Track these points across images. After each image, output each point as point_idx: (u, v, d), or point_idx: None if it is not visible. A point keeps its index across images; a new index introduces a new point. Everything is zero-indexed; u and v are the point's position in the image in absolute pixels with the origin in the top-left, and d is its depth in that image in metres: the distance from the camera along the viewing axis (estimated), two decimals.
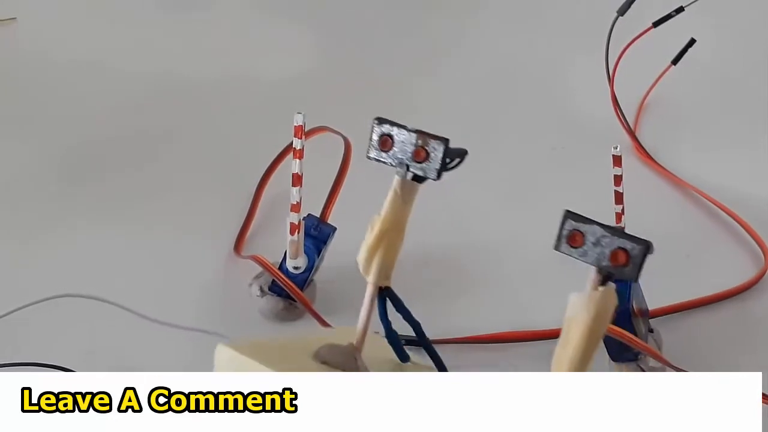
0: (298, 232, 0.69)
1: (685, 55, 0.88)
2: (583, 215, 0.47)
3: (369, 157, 0.53)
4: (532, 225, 0.78)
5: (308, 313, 0.69)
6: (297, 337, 0.55)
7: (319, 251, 0.71)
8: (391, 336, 0.53)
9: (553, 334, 0.68)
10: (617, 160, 0.68)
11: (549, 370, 0.47)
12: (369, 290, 0.53)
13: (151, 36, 1.00)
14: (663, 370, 0.65)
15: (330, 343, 0.52)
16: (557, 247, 0.47)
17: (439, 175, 0.52)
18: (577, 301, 0.46)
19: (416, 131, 0.52)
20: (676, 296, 0.71)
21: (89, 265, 0.75)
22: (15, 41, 0.99)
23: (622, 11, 0.86)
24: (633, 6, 0.86)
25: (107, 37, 1.00)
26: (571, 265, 0.69)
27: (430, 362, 0.55)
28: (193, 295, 0.72)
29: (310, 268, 0.70)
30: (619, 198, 0.68)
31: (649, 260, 0.69)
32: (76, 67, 0.95)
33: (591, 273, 0.46)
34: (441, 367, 0.55)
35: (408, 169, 0.52)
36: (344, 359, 0.51)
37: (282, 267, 0.70)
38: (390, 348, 0.53)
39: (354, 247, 0.73)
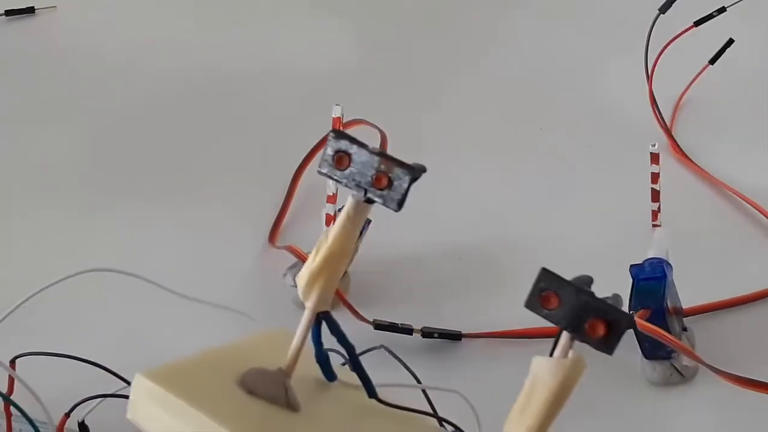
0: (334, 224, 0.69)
1: (725, 56, 0.87)
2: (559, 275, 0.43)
3: (320, 172, 0.47)
4: (568, 222, 0.79)
5: (342, 305, 0.69)
6: (219, 353, 0.49)
7: None
8: (321, 357, 0.48)
9: None
10: (655, 158, 0.68)
11: None
12: (306, 316, 0.47)
13: (192, 26, 1.00)
14: (696, 368, 0.65)
15: (257, 368, 0.47)
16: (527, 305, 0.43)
17: (400, 207, 0.45)
18: (543, 365, 0.42)
19: (379, 154, 0.45)
20: (711, 295, 0.71)
21: (128, 251, 0.75)
22: (55, 29, 1.00)
23: (664, 9, 0.85)
24: (674, 4, 0.85)
25: (148, 26, 1.01)
26: (602, 264, 0.69)
27: (357, 381, 0.50)
28: (227, 285, 0.72)
29: None
30: (655, 196, 0.68)
31: (686, 259, 0.70)
32: (117, 55, 0.96)
33: (562, 337, 0.43)
34: (370, 391, 0.49)
35: (366, 194, 0.46)
36: (274, 389, 0.46)
37: None
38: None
39: (389, 239, 0.74)
